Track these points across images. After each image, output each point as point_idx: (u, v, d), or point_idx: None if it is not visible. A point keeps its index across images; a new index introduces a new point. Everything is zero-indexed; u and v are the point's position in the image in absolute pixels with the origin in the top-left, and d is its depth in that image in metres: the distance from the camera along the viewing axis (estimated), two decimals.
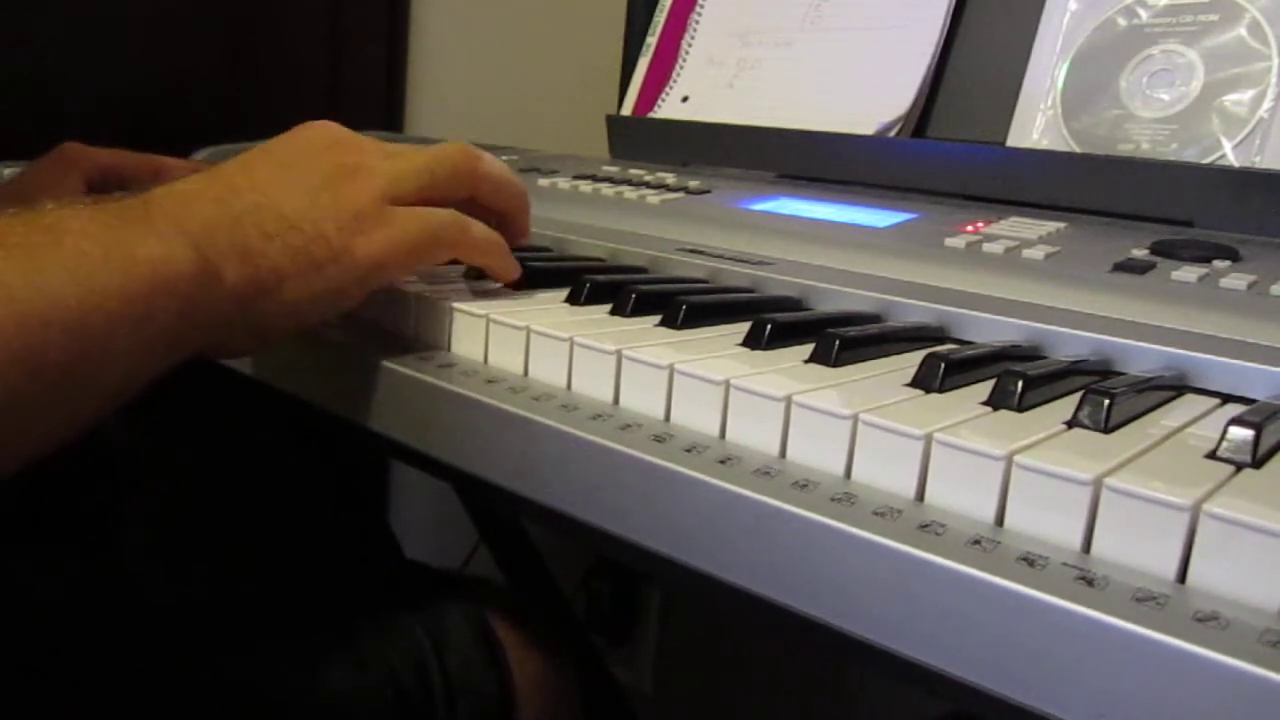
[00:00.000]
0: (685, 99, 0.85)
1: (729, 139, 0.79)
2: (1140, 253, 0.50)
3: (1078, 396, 0.34)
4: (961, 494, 0.30)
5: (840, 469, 0.32)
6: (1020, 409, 0.34)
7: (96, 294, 0.33)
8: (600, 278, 0.49)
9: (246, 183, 0.40)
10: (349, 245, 0.41)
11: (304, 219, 0.40)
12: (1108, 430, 0.32)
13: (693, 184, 0.69)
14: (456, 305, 0.45)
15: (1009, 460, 0.29)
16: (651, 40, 0.89)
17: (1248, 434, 0.30)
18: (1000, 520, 0.29)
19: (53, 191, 0.64)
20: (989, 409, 0.34)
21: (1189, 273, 0.46)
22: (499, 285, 0.50)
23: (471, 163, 0.47)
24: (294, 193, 0.41)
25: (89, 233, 0.34)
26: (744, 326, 0.42)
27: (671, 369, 0.37)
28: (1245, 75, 0.59)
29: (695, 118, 0.83)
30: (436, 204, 0.44)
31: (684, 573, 0.33)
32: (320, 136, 0.44)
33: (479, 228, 0.46)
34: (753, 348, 0.41)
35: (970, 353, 0.40)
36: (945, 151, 0.70)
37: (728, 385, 0.35)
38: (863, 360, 0.40)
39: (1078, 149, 0.64)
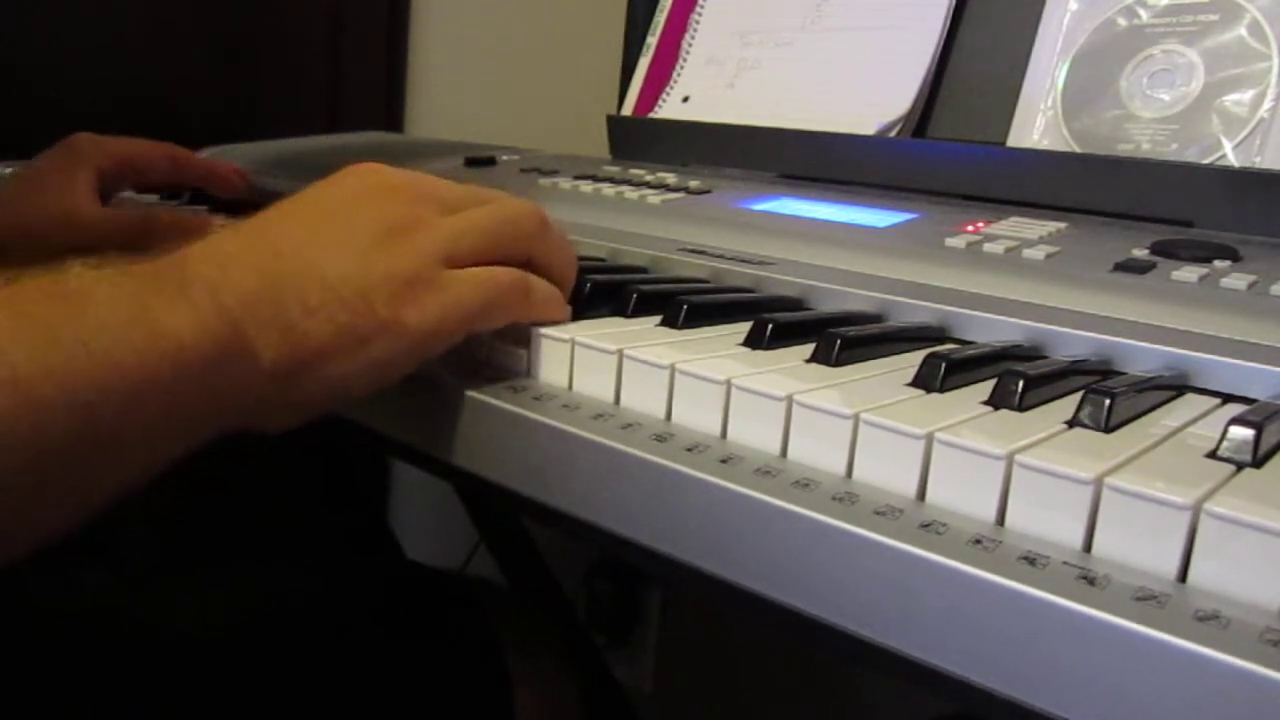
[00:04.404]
0: (686, 99, 0.85)
1: (729, 139, 0.79)
2: (1140, 253, 0.50)
3: (1078, 396, 0.34)
4: (963, 493, 0.30)
5: (841, 468, 0.32)
6: (1021, 408, 0.34)
7: (112, 372, 0.30)
8: (601, 277, 0.49)
9: (289, 244, 0.37)
10: (399, 316, 0.37)
11: (350, 288, 0.36)
12: (1108, 430, 0.32)
13: (693, 184, 0.69)
14: None
15: (1010, 460, 0.29)
16: (652, 40, 0.89)
17: (1248, 433, 0.30)
18: (1001, 519, 0.29)
19: (62, 184, 0.63)
20: (990, 408, 0.34)
21: (1189, 273, 0.46)
22: None
23: (538, 228, 0.43)
24: (341, 254, 0.37)
25: (114, 300, 0.31)
26: (745, 326, 0.42)
27: (673, 369, 0.37)
28: (1245, 75, 0.59)
29: (696, 118, 0.83)
30: (494, 264, 0.41)
31: (685, 572, 0.33)
32: (369, 182, 0.40)
33: (540, 286, 0.42)
34: (754, 347, 0.41)
35: (971, 352, 0.40)
36: (945, 151, 0.70)
37: (729, 385, 0.35)
38: (863, 360, 0.40)
39: (1078, 149, 0.64)
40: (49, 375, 0.29)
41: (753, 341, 0.41)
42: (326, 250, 0.37)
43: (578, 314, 0.44)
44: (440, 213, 0.40)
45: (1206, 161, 0.59)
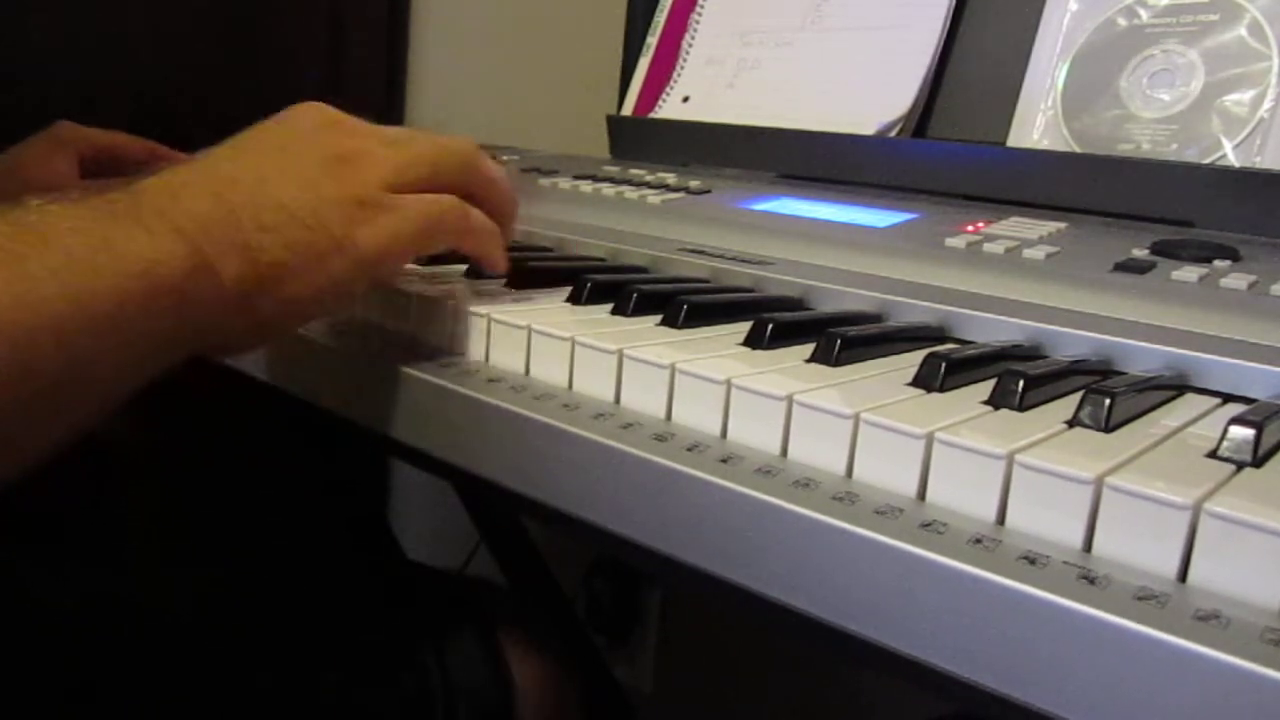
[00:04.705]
0: (686, 99, 0.85)
1: (729, 139, 0.79)
2: (1140, 253, 0.50)
3: (1078, 396, 0.34)
4: (963, 493, 0.30)
5: (841, 468, 0.32)
6: (1021, 408, 0.34)
7: (85, 298, 0.32)
8: (601, 277, 0.49)
9: (241, 171, 0.38)
10: (352, 234, 0.39)
11: (304, 208, 0.38)
12: (1108, 429, 0.32)
13: (693, 184, 0.69)
14: (457, 305, 0.45)
15: (1010, 459, 0.29)
16: (652, 40, 0.89)
17: (1248, 433, 0.30)
18: (1001, 519, 0.29)
19: (43, 171, 0.64)
20: (990, 408, 0.34)
21: (1189, 273, 0.46)
22: (500, 284, 0.50)
23: (476, 159, 0.45)
24: (292, 180, 0.39)
25: (76, 230, 0.33)
26: (745, 326, 0.42)
27: (673, 368, 0.37)
28: (1245, 75, 0.59)
29: (696, 118, 0.83)
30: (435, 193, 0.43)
31: (685, 572, 0.33)
32: (316, 118, 0.42)
33: (479, 216, 0.45)
34: (754, 347, 0.41)
35: (971, 352, 0.40)
36: (945, 151, 0.70)
37: (729, 385, 0.35)
38: (863, 360, 0.40)
39: (1078, 149, 0.64)
40: (23, 302, 0.30)
41: (753, 341, 0.41)
42: (279, 176, 0.39)
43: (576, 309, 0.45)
44: (382, 145, 0.42)
45: (1206, 161, 0.59)
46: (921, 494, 0.31)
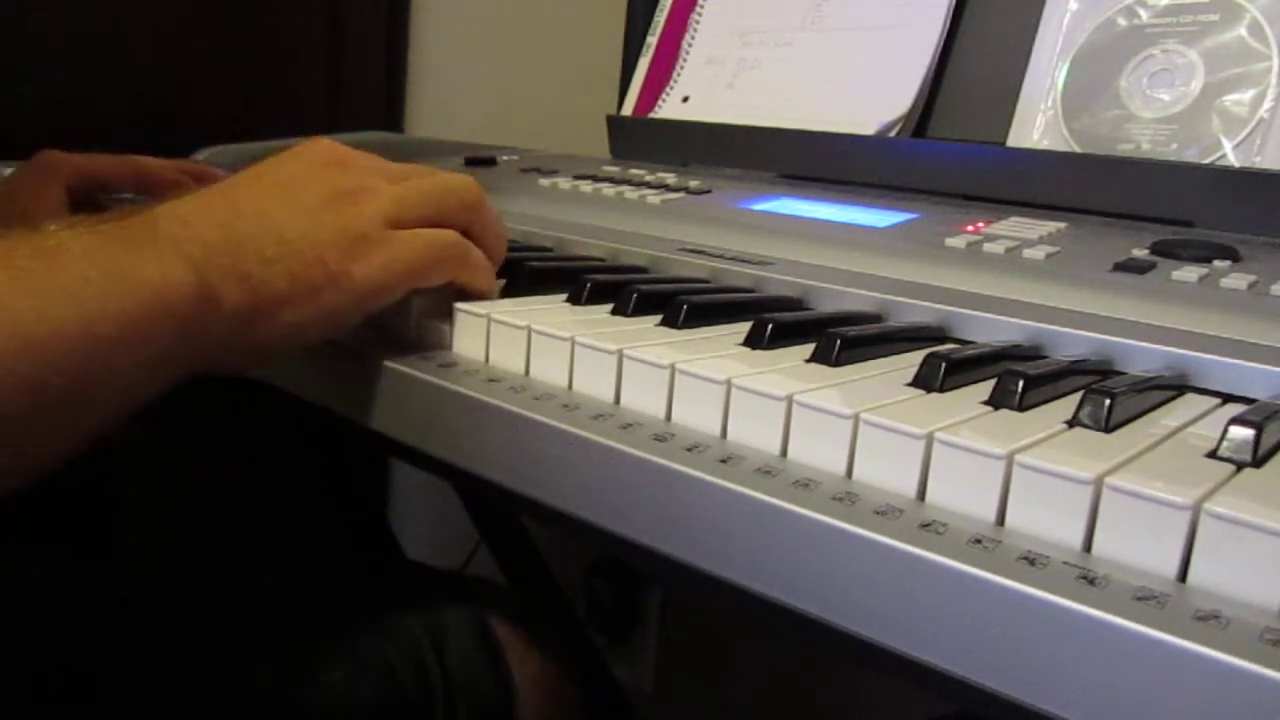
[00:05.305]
0: (685, 99, 0.85)
1: (729, 139, 0.79)
2: (1140, 253, 0.50)
3: (1078, 396, 0.34)
4: (962, 493, 0.30)
5: (841, 468, 0.32)
6: (1021, 408, 0.34)
7: (97, 318, 0.33)
8: (601, 277, 0.49)
9: (248, 204, 0.40)
10: (348, 269, 0.40)
11: (303, 242, 0.40)
12: (1108, 429, 0.32)
13: (693, 184, 0.69)
14: (458, 305, 0.45)
15: (1010, 459, 0.29)
16: (652, 40, 0.89)
17: (1248, 433, 0.30)
18: (1001, 519, 0.29)
19: (34, 199, 0.65)
20: (990, 408, 0.34)
21: (1189, 273, 0.46)
22: (500, 285, 0.50)
23: (477, 199, 0.46)
24: (295, 214, 0.40)
25: (91, 255, 0.34)
26: (745, 326, 0.42)
27: (673, 368, 0.37)
28: (1245, 75, 0.59)
29: (696, 118, 0.83)
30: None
31: (685, 572, 0.33)
32: (322, 155, 0.44)
33: (477, 252, 0.46)
34: (754, 347, 0.41)
35: (971, 352, 0.40)
36: (945, 151, 0.70)
37: (729, 385, 0.35)
38: (863, 360, 0.40)
39: (1078, 149, 0.64)
40: (43, 321, 0.32)
41: (753, 341, 0.41)
42: (282, 211, 0.40)
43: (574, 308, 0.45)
44: (386, 181, 0.44)
45: (1206, 161, 0.59)
46: (921, 494, 0.31)
